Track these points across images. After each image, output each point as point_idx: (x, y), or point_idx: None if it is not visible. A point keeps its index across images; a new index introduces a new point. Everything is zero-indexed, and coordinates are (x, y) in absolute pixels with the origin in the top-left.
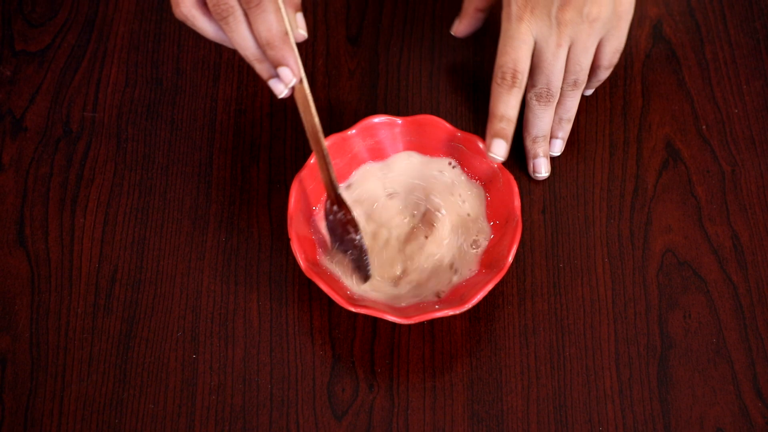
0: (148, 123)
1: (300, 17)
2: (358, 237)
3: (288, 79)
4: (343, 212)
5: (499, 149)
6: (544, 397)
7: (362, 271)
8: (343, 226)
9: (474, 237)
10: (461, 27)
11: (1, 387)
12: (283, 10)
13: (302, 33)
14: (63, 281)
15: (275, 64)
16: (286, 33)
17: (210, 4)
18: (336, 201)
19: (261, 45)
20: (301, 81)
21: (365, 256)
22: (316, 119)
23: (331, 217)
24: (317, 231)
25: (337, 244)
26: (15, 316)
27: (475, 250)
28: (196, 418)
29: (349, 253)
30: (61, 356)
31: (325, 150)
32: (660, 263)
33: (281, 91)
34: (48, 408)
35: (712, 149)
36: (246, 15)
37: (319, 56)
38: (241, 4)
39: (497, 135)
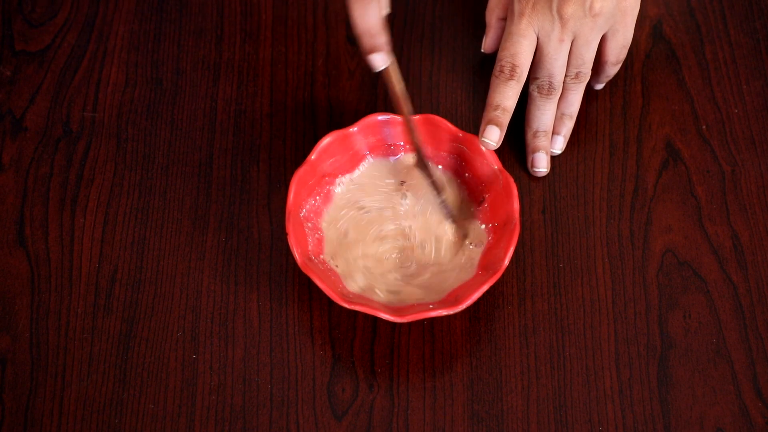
0: (148, 123)
1: None
2: (441, 198)
3: (379, 65)
4: (426, 174)
5: (492, 135)
6: (544, 397)
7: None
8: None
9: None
10: (490, 41)
11: (1, 387)
12: None
13: (388, 10)
14: (63, 281)
15: (369, 51)
16: (383, 21)
17: None
18: (420, 162)
19: (358, 31)
20: (389, 65)
21: (444, 201)
22: (404, 88)
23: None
24: (315, 228)
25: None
26: (15, 316)
27: (475, 248)
28: (196, 418)
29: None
30: (61, 356)
31: (410, 114)
32: (660, 263)
33: (377, 68)
34: (48, 408)
35: (712, 149)
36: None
37: (319, 56)
38: None
39: (491, 122)
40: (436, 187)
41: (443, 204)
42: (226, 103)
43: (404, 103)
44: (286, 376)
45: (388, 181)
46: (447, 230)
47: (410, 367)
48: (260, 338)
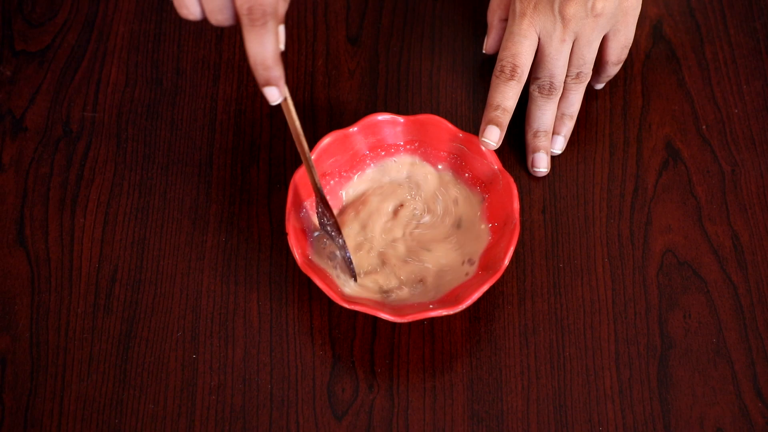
0: (148, 123)
1: (282, 30)
2: (340, 240)
3: (274, 98)
4: (327, 215)
5: (492, 135)
6: (544, 397)
7: (349, 270)
8: (329, 226)
9: (469, 252)
10: (491, 42)
11: (1, 387)
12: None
13: (282, 47)
14: (63, 281)
15: (264, 83)
16: (279, 53)
17: (243, 4)
18: (321, 202)
19: (252, 62)
20: (285, 99)
21: (347, 256)
22: (298, 125)
23: (318, 216)
24: (316, 228)
25: (326, 240)
26: (15, 316)
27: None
28: (196, 418)
29: (335, 252)
30: (61, 356)
31: (308, 153)
32: (660, 263)
33: (272, 101)
34: (48, 408)
35: (712, 149)
36: (242, 29)
37: (319, 56)
38: (241, 17)
39: (491, 122)
40: (337, 228)
41: (342, 248)
42: (226, 103)
43: (300, 140)
44: (286, 376)
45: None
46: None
47: (410, 367)
48: (260, 338)
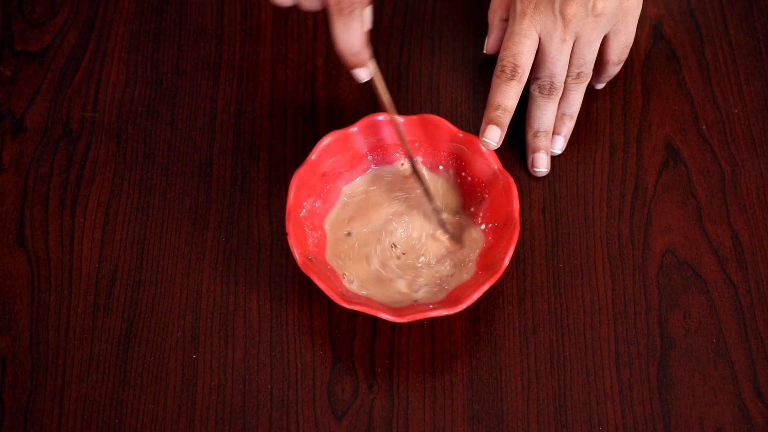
0: (148, 123)
1: (368, 12)
2: (433, 205)
3: (363, 78)
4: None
5: (493, 135)
6: (544, 397)
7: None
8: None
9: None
10: (492, 42)
11: (1, 387)
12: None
13: (369, 27)
14: (63, 281)
15: (352, 66)
16: (365, 38)
17: None
18: (413, 169)
19: (339, 49)
20: (374, 76)
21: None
22: (389, 97)
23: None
24: (315, 228)
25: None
26: (15, 316)
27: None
28: (196, 418)
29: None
30: (61, 356)
31: (395, 119)
32: (660, 263)
33: (361, 80)
34: (48, 408)
35: (712, 149)
36: (330, 17)
37: (319, 56)
38: (329, 6)
39: (492, 122)
40: (428, 195)
41: (436, 212)
42: (226, 103)
43: (391, 111)
44: (286, 376)
45: (384, 195)
46: (441, 236)
47: (410, 367)
48: (260, 338)
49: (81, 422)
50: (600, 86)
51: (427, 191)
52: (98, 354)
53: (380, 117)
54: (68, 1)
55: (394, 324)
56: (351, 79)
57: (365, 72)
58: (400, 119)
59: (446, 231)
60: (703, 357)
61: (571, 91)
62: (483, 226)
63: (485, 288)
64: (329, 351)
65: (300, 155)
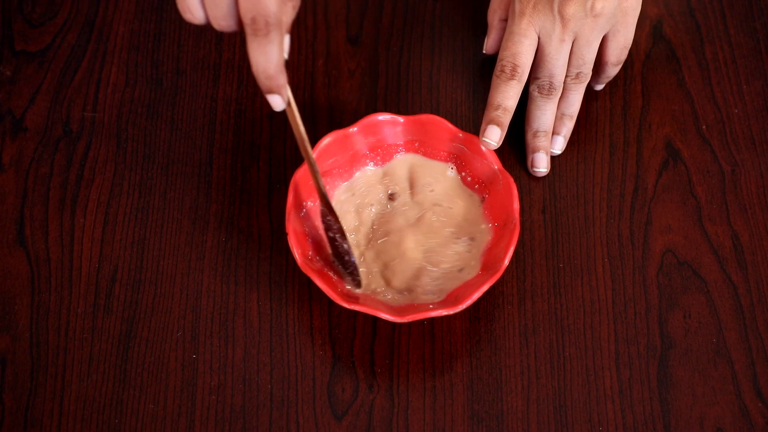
0: (148, 123)
1: (287, 40)
2: (345, 245)
3: (278, 106)
4: (332, 219)
5: (493, 135)
6: (544, 397)
7: (353, 277)
8: (333, 232)
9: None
10: (491, 42)
11: (1, 387)
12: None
13: (286, 56)
14: (63, 281)
15: (267, 92)
16: (283, 63)
17: (246, 14)
18: (326, 208)
19: (255, 71)
20: (289, 104)
21: (352, 261)
22: (303, 131)
23: (324, 221)
24: (315, 228)
25: (330, 248)
26: (15, 316)
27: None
28: (196, 418)
29: (339, 257)
30: (61, 356)
31: (312, 159)
32: (660, 263)
33: (276, 108)
34: (48, 408)
35: (712, 149)
36: (246, 38)
37: (319, 56)
38: (245, 27)
39: (492, 122)
40: (342, 233)
41: (347, 253)
42: (226, 103)
43: (303, 147)
44: (286, 376)
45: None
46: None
47: (410, 367)
48: (260, 338)
49: (81, 422)
50: (599, 87)
51: (341, 230)
52: (98, 354)
53: (380, 117)
54: (68, 1)
55: (394, 324)
56: (351, 79)
57: (279, 100)
58: (314, 157)
59: (355, 281)
60: (703, 357)
61: (570, 91)
62: (483, 226)
63: (485, 288)
64: (329, 351)
65: (300, 155)
